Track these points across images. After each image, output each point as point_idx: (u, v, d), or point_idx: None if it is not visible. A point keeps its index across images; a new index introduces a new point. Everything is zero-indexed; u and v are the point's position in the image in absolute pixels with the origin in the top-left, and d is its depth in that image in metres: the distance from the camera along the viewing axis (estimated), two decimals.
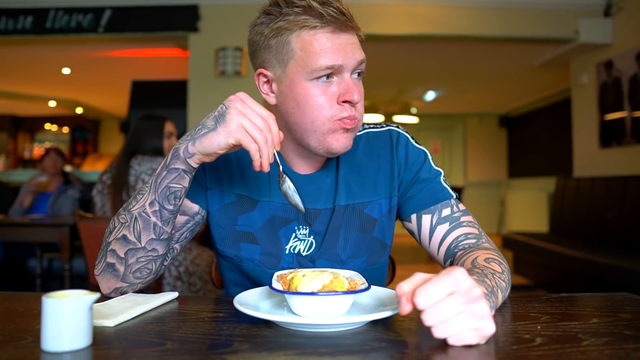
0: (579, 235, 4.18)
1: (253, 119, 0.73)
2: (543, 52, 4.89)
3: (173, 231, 0.89)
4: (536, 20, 4.24)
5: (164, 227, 0.81)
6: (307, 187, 0.91)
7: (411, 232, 0.96)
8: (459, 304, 0.55)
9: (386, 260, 0.97)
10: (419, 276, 0.58)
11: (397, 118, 7.79)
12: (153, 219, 0.79)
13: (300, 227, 0.91)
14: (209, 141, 0.74)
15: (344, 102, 0.82)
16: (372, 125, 1.00)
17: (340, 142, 0.85)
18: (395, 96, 7.49)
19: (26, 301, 0.79)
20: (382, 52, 5.00)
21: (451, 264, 0.89)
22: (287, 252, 0.90)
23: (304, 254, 0.90)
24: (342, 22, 0.81)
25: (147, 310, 0.73)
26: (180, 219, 0.91)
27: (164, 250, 0.84)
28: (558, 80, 5.99)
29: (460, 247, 0.88)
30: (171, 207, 0.80)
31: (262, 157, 0.73)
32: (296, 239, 0.90)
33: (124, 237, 0.80)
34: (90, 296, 0.57)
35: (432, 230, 0.91)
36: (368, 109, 7.73)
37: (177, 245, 0.92)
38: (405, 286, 0.57)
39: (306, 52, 0.81)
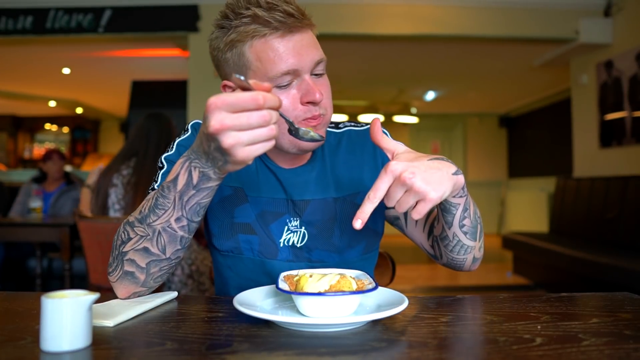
0: (579, 235, 4.18)
1: (247, 124, 0.61)
2: (543, 52, 4.90)
3: None
4: (536, 20, 4.24)
5: (189, 236, 0.79)
6: (293, 180, 0.93)
7: (396, 220, 0.99)
8: (436, 164, 0.69)
9: (377, 247, 1.02)
10: (408, 155, 0.71)
11: (397, 118, 7.78)
12: (180, 233, 0.76)
13: (292, 219, 0.92)
14: (231, 168, 0.68)
15: (307, 103, 0.82)
16: (353, 124, 1.03)
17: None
18: (395, 96, 7.49)
19: (26, 301, 0.79)
20: (382, 52, 4.99)
21: (430, 232, 0.93)
22: (282, 245, 0.92)
23: (298, 245, 0.92)
24: (291, 24, 0.80)
25: (147, 310, 0.73)
26: None
27: (184, 253, 0.82)
28: (558, 80, 5.99)
29: None
30: (199, 219, 0.78)
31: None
32: (289, 232, 0.92)
33: (146, 249, 0.77)
34: (90, 296, 0.57)
35: None
36: (368, 109, 7.73)
37: None
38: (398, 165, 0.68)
39: (261, 61, 0.81)
